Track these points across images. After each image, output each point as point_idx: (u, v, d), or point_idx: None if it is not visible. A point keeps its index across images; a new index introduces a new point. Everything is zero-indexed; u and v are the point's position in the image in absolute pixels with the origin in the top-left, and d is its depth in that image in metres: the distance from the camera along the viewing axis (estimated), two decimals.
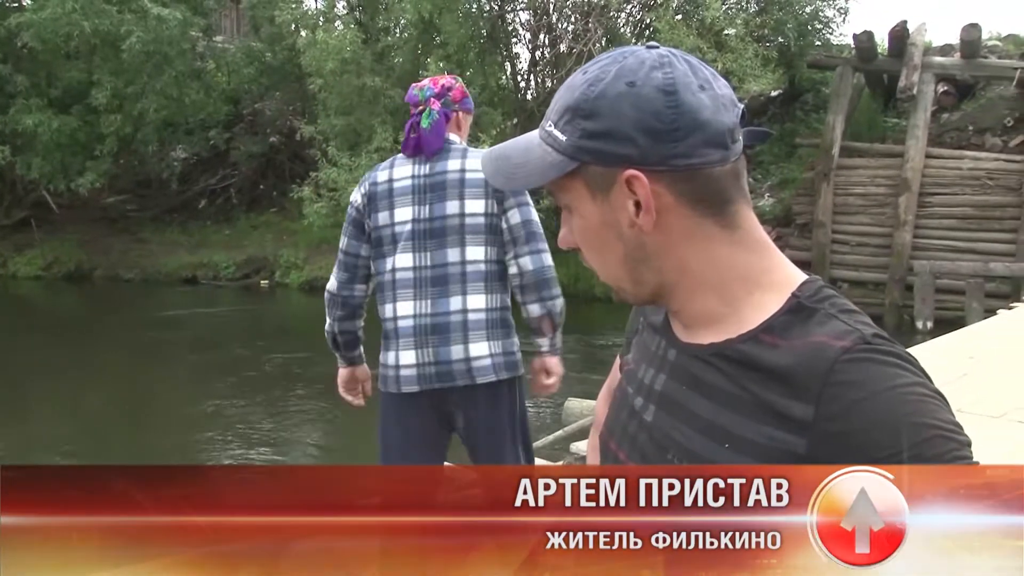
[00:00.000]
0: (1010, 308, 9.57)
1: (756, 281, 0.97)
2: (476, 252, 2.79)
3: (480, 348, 2.79)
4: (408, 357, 2.82)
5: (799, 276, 0.98)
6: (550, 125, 0.96)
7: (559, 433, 6.38)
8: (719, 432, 0.93)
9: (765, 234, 0.99)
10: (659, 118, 0.91)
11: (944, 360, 6.55)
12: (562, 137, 0.94)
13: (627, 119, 0.92)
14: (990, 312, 10.15)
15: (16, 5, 16.98)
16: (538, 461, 5.57)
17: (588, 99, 0.93)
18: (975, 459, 0.87)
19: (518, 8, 16.36)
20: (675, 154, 0.92)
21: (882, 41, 14.21)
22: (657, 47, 0.96)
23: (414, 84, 2.98)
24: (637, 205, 0.93)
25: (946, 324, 10.48)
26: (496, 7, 15.93)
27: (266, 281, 16.20)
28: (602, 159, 0.93)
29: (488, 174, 1.00)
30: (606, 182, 0.94)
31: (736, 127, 0.94)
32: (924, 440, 0.84)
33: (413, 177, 2.83)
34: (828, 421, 0.86)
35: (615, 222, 0.95)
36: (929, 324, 11.83)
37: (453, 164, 2.82)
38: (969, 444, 0.87)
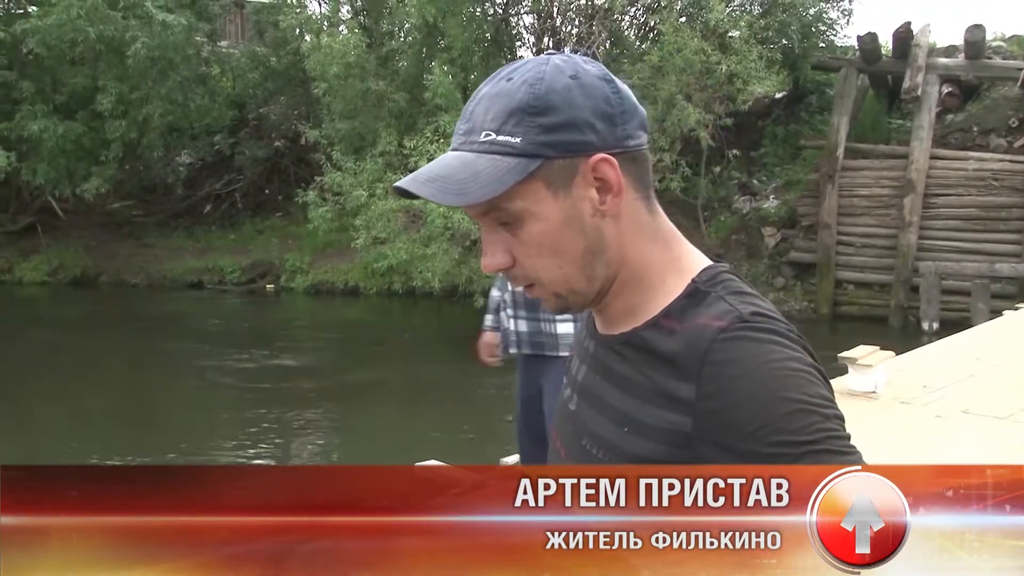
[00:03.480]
0: (1016, 309, 9.54)
1: (667, 269, 1.01)
2: None
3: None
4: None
5: (703, 262, 1.02)
6: (486, 135, 0.94)
7: None
8: (621, 417, 0.97)
9: (671, 223, 1.04)
10: (609, 103, 0.96)
11: (950, 361, 6.54)
12: (514, 140, 0.94)
13: (583, 107, 0.95)
14: (996, 313, 10.12)
15: (22, 12, 17.03)
16: None
17: (538, 96, 0.94)
18: (847, 432, 0.89)
19: (522, 11, 16.38)
20: (626, 136, 0.97)
21: (886, 42, 14.21)
22: (557, 53, 1.00)
23: None
24: (599, 192, 0.96)
25: (952, 325, 10.46)
26: (500, 10, 15.95)
27: (271, 285, 16.21)
28: (567, 149, 0.94)
29: (430, 195, 0.94)
30: (568, 175, 0.95)
31: None
32: (787, 414, 0.87)
33: None
34: (706, 399, 0.90)
35: (578, 215, 0.96)
36: (935, 325, 11.82)
37: None
38: (838, 417, 0.89)
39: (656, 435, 0.93)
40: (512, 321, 3.57)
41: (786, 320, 0.95)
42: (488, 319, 3.92)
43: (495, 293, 3.90)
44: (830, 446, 0.87)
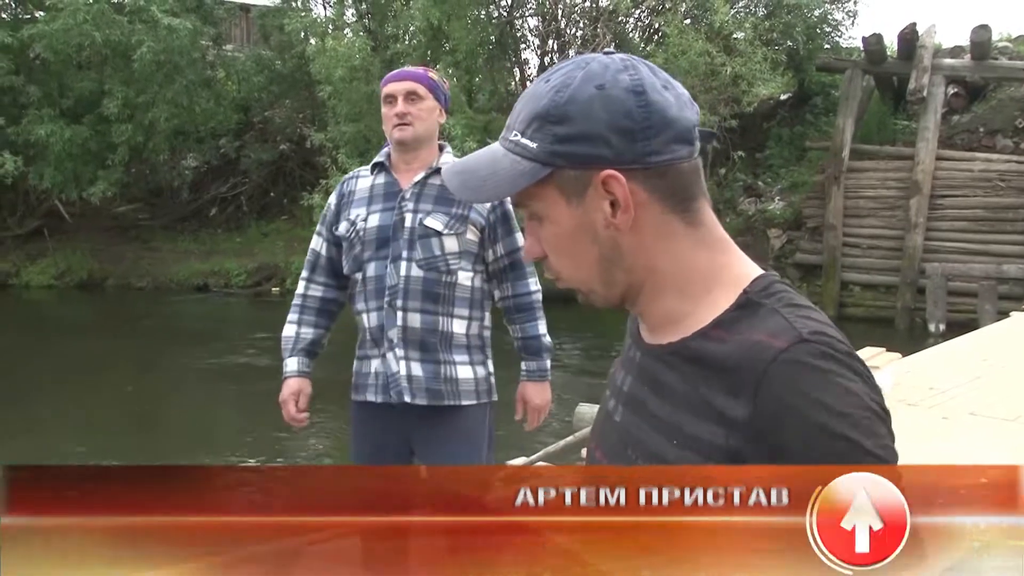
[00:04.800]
0: (1023, 310, 9.52)
1: (714, 278, 0.99)
2: None
3: None
4: None
5: (754, 272, 1.00)
6: (515, 135, 0.97)
7: (570, 439, 6.37)
8: (670, 429, 0.95)
9: (724, 231, 1.02)
10: (630, 117, 0.94)
11: (957, 363, 6.52)
12: (532, 144, 0.95)
13: (599, 121, 0.94)
14: (1003, 314, 10.10)
15: (29, 17, 17.10)
16: (550, 467, 5.57)
17: (557, 105, 0.94)
18: (895, 461, 0.88)
19: (527, 14, 16.40)
20: (648, 151, 0.95)
21: (891, 43, 14.18)
22: (614, 53, 0.98)
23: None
24: (612, 205, 0.95)
25: (959, 327, 10.42)
26: (505, 13, 15.97)
27: (277, 288, 16.24)
28: (577, 162, 0.95)
29: (453, 188, 1.01)
30: (581, 185, 0.96)
31: (697, 124, 0.98)
32: (840, 453, 0.86)
33: None
34: (759, 419, 0.88)
35: (590, 224, 0.97)
36: (941, 327, 11.78)
37: None
38: (889, 453, 0.88)
39: (702, 449, 0.91)
40: (402, 363, 2.73)
41: (842, 335, 0.94)
42: (293, 362, 2.95)
43: (303, 329, 3.01)
44: None
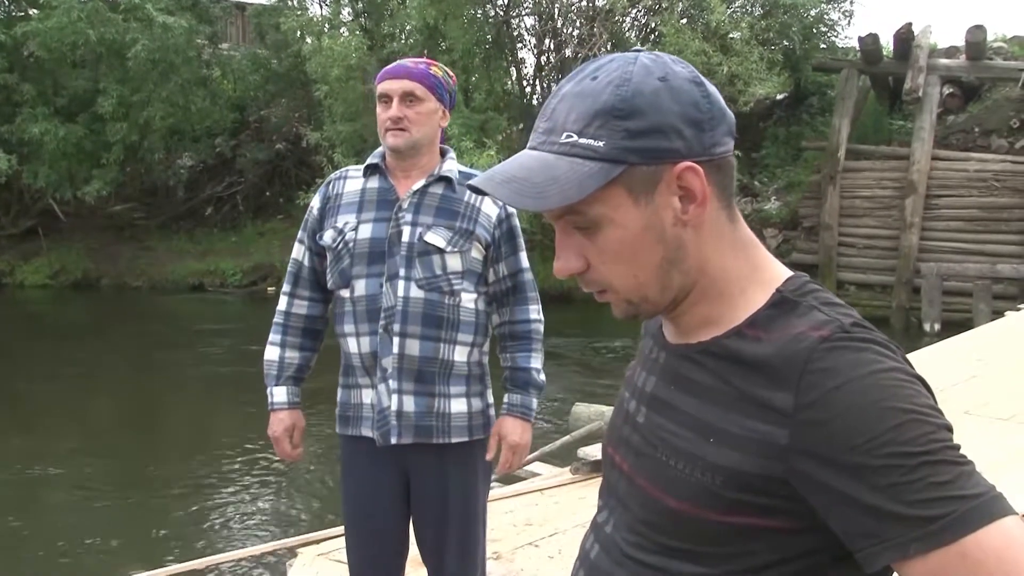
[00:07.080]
0: (1018, 310, 9.54)
1: (748, 279, 0.98)
2: None
3: None
4: None
5: (785, 272, 1.00)
6: (568, 136, 0.91)
7: (566, 438, 6.37)
8: (704, 427, 0.93)
9: (751, 232, 1.00)
10: (698, 108, 0.92)
11: (952, 362, 6.53)
12: (598, 143, 0.90)
13: (671, 112, 0.91)
14: (998, 314, 10.13)
15: (23, 15, 17.06)
16: (546, 467, 5.56)
17: (624, 99, 0.90)
18: (957, 443, 0.86)
19: (523, 13, 16.39)
20: (713, 143, 0.93)
21: (887, 43, 14.21)
22: (642, 51, 0.96)
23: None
24: (681, 200, 0.93)
25: (954, 326, 10.45)
26: (501, 13, 15.95)
27: (273, 288, 16.22)
28: (651, 156, 0.91)
29: (506, 197, 0.92)
30: (652, 182, 0.92)
31: None
32: (898, 425, 0.83)
33: None
34: (807, 409, 0.86)
35: (658, 223, 0.93)
36: (936, 326, 11.81)
37: None
38: (948, 427, 0.87)
39: (745, 445, 0.89)
40: (394, 397, 2.47)
41: (880, 332, 0.92)
42: (282, 392, 2.67)
43: (288, 353, 2.68)
44: (945, 456, 0.83)
